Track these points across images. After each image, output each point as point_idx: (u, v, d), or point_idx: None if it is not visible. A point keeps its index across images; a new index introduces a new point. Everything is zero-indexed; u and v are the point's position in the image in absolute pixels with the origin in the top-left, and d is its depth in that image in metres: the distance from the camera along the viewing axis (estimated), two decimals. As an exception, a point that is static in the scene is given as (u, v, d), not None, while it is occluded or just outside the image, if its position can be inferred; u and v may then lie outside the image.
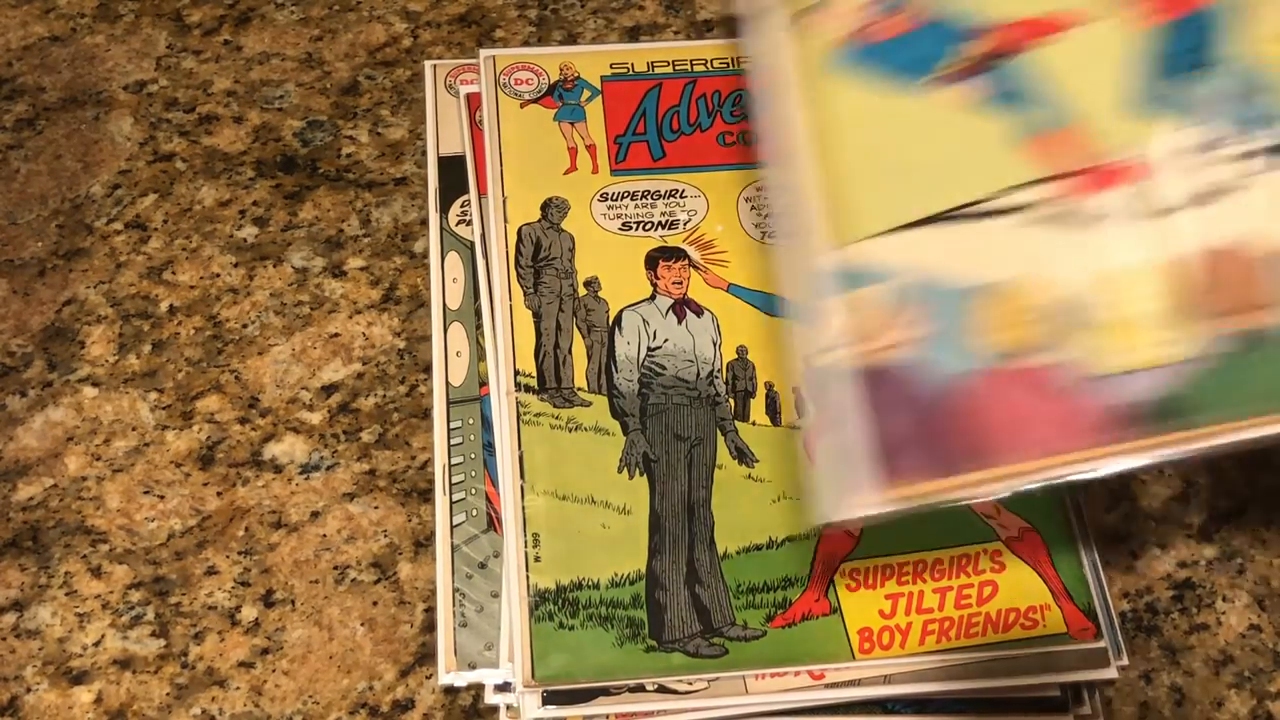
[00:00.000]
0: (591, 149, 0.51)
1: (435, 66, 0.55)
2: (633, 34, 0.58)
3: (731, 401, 0.46)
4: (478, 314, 0.48)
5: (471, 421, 0.46)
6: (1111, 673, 0.41)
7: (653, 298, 0.48)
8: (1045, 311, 0.33)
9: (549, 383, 0.46)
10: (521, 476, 0.44)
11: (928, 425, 0.33)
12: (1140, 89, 0.34)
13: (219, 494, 0.47)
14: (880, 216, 0.35)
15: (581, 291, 0.48)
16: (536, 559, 0.42)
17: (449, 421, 0.46)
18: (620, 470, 0.44)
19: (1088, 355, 0.32)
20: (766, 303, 0.48)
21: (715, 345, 0.47)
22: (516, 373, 0.46)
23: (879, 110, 0.37)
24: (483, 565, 0.44)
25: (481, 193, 0.50)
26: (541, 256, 0.48)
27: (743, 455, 0.45)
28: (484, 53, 0.53)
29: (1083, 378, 0.32)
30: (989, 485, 0.32)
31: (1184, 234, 0.33)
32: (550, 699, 0.40)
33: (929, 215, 0.35)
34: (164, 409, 0.48)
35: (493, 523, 0.44)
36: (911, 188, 0.36)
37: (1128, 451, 0.32)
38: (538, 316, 0.47)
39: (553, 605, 0.42)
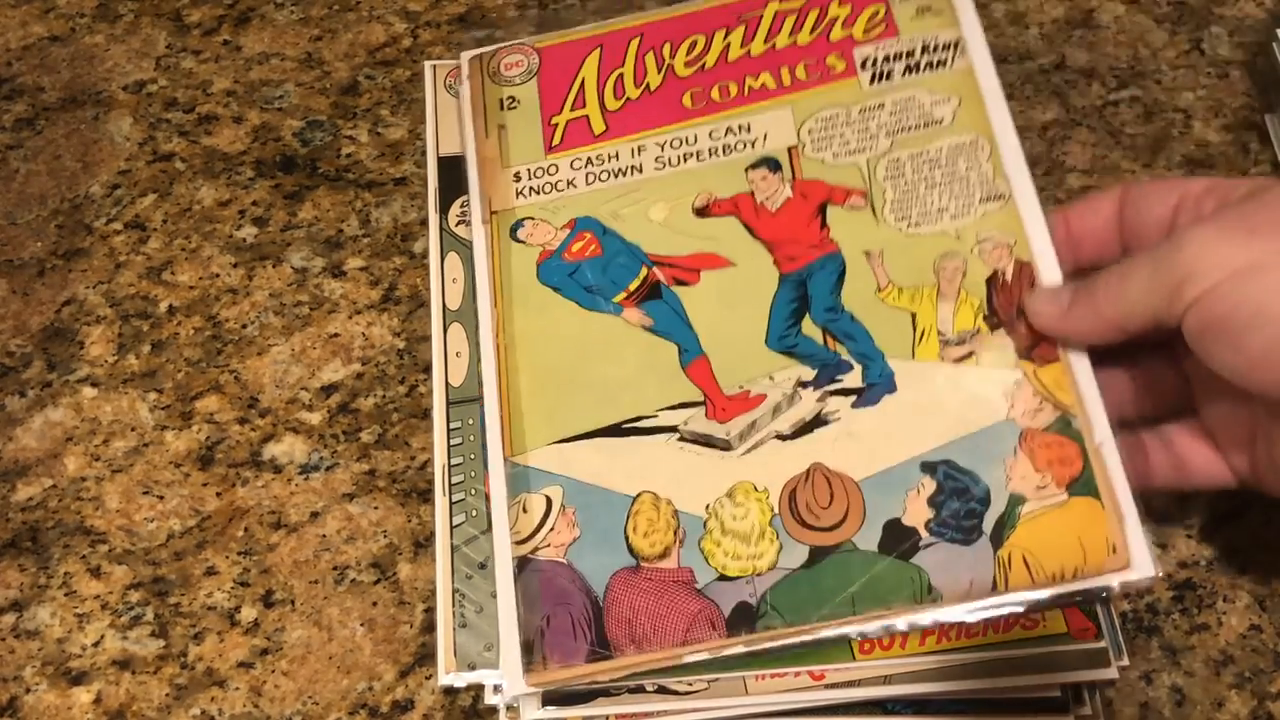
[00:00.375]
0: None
1: (435, 66, 0.55)
2: (632, 34, 0.58)
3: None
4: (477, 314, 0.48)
5: (471, 422, 0.46)
6: (1112, 673, 0.41)
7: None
8: (679, 521, 0.39)
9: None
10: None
11: (567, 620, 0.38)
12: (768, 329, 0.41)
13: (218, 494, 0.47)
14: (550, 428, 0.40)
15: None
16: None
17: (449, 422, 0.46)
18: None
19: (704, 563, 0.38)
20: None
21: None
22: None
23: (566, 328, 0.42)
24: (482, 566, 0.44)
25: (481, 193, 0.50)
26: (541, 256, 0.48)
27: None
28: (484, 53, 0.53)
29: (698, 582, 0.38)
30: (612, 674, 0.38)
31: (781, 460, 0.39)
32: (550, 699, 0.40)
33: (594, 429, 0.40)
34: (163, 409, 0.48)
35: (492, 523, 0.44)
36: (581, 404, 0.41)
37: (708, 649, 0.37)
38: (537, 316, 0.47)
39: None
